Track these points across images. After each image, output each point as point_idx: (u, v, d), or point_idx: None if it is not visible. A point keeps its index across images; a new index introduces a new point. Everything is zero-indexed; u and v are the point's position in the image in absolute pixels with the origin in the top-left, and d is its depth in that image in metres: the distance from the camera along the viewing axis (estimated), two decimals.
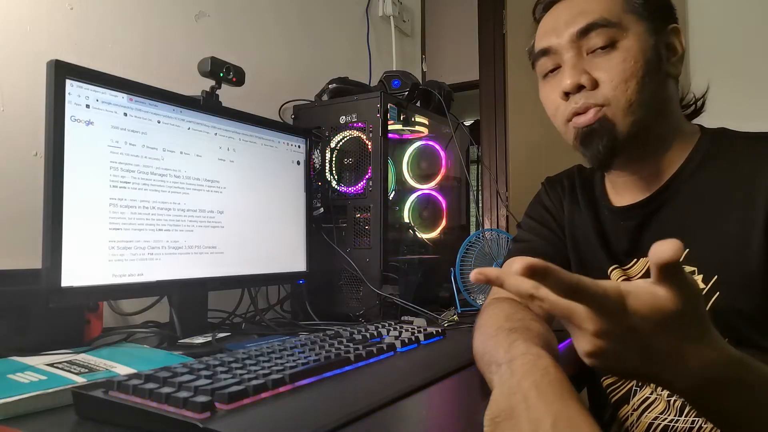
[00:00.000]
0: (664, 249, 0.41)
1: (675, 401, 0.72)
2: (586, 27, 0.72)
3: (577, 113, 0.72)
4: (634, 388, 0.78)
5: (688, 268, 0.70)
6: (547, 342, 0.61)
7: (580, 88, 0.71)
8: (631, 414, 0.77)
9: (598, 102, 0.71)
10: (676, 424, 0.71)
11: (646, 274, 0.74)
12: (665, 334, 0.46)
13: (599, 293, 0.43)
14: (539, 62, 0.78)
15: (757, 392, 0.51)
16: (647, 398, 0.75)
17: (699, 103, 0.82)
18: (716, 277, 0.68)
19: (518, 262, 0.41)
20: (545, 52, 0.76)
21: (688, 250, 0.70)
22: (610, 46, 0.71)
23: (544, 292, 0.45)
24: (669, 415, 0.72)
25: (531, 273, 0.41)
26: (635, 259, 0.77)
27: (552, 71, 0.77)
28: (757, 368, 0.51)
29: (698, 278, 0.69)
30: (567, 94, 0.73)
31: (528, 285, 0.45)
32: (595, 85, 0.71)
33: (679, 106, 0.79)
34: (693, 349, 0.47)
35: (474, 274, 0.46)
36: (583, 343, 0.47)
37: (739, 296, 0.66)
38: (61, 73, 0.76)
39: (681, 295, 0.44)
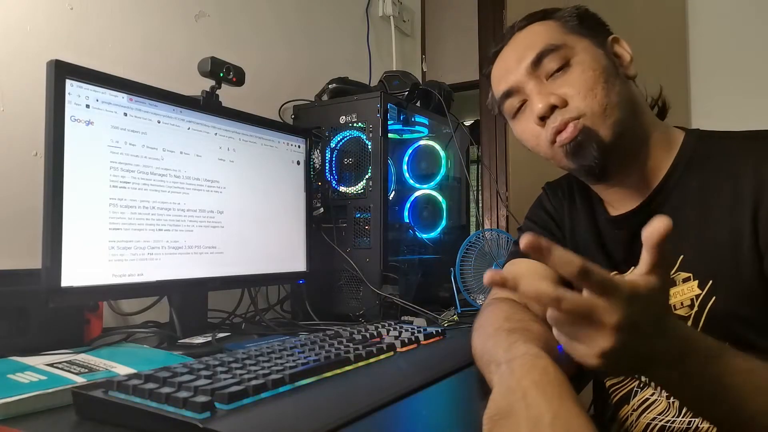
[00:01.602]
0: (655, 229, 0.46)
1: (675, 401, 0.72)
2: (537, 57, 0.74)
3: (558, 131, 0.73)
4: (635, 389, 0.78)
5: (683, 275, 0.70)
6: (546, 343, 0.61)
7: (553, 109, 0.73)
8: (631, 414, 0.77)
9: (574, 115, 0.72)
10: (673, 425, 0.72)
11: None
12: (660, 320, 0.49)
13: (607, 277, 0.45)
14: (505, 105, 0.80)
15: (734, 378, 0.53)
16: (647, 399, 0.76)
17: (661, 103, 0.83)
18: (711, 282, 0.68)
19: (524, 239, 0.43)
20: (508, 93, 0.78)
21: (682, 256, 0.71)
22: (565, 65, 0.73)
23: (562, 291, 0.45)
24: (668, 416, 0.72)
25: (534, 249, 0.43)
26: (633, 267, 0.77)
27: (519, 109, 0.78)
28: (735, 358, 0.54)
29: (694, 284, 0.69)
30: (542, 119, 0.74)
31: (546, 287, 0.44)
32: (565, 102, 0.72)
33: (648, 106, 0.80)
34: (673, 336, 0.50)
35: (488, 277, 0.45)
36: (602, 342, 0.47)
37: (735, 300, 0.66)
38: (61, 73, 0.76)
39: (666, 282, 0.48)
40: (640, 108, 0.76)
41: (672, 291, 0.71)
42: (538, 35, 0.76)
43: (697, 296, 0.68)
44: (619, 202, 0.80)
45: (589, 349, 0.48)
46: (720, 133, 0.76)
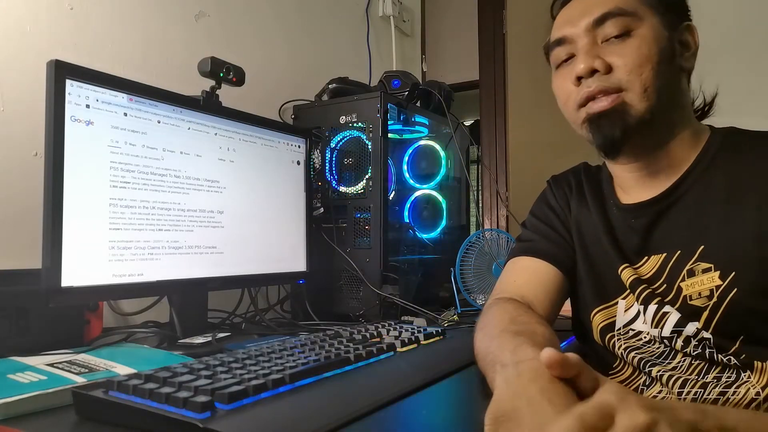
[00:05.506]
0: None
1: (685, 399, 0.71)
2: (602, 16, 0.72)
3: (590, 98, 0.72)
4: (641, 387, 0.77)
5: (703, 265, 0.70)
6: (552, 346, 0.60)
7: (593, 72, 0.72)
8: None
9: (613, 86, 0.71)
10: None
11: (658, 272, 0.74)
12: None
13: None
14: (554, 52, 0.78)
15: None
16: (655, 397, 0.75)
17: (707, 107, 0.82)
18: (733, 274, 0.67)
19: (545, 355, 0.46)
20: (560, 41, 0.77)
21: (702, 247, 0.70)
22: (625, 34, 0.71)
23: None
24: None
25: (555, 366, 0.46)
26: (646, 257, 0.76)
27: (566, 61, 0.77)
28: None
29: (715, 275, 0.68)
30: (579, 79, 0.73)
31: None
32: (608, 69, 0.71)
33: (691, 103, 0.79)
34: None
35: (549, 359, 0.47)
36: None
37: (757, 295, 0.66)
38: (61, 73, 0.76)
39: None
40: (681, 102, 0.75)
41: (690, 281, 0.70)
42: None
43: (718, 287, 0.68)
44: (636, 189, 0.79)
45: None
46: (745, 131, 0.76)
